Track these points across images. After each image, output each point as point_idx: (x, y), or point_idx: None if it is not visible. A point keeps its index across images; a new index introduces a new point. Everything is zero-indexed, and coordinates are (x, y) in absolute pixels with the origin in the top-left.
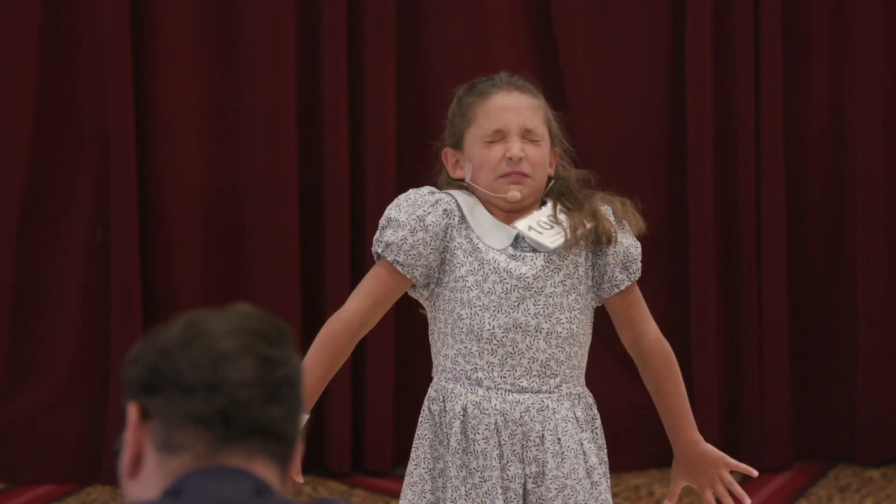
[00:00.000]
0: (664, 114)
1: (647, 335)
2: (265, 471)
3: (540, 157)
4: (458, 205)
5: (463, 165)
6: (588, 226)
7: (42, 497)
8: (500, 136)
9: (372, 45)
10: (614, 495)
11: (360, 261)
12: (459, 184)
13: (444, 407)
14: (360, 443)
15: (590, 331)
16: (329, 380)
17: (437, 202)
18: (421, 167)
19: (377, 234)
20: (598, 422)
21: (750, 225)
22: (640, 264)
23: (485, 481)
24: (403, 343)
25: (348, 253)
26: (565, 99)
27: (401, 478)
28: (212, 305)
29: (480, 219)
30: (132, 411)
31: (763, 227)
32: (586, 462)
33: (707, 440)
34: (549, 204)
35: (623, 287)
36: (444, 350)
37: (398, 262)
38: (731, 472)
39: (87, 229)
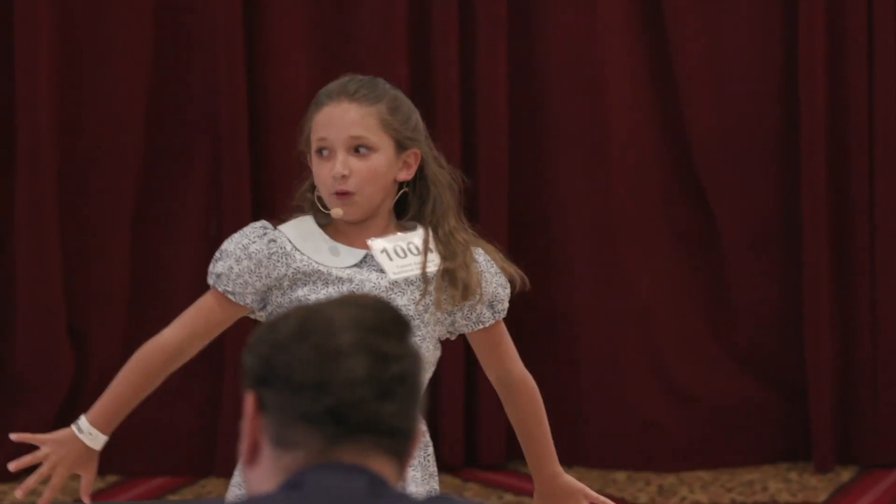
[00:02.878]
0: (776, 106)
1: (513, 373)
2: (381, 466)
3: (368, 170)
4: (287, 238)
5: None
6: (448, 285)
7: (156, 489)
8: (327, 150)
9: (483, 37)
10: (728, 490)
11: None
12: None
13: None
14: (474, 436)
15: (431, 359)
16: (137, 402)
17: (264, 234)
18: (533, 159)
19: (210, 266)
20: (430, 449)
21: (863, 220)
22: (507, 304)
23: None
24: (515, 336)
25: None
26: (676, 90)
27: (514, 472)
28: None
29: (316, 243)
30: (249, 401)
31: (877, 222)
32: (429, 485)
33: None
34: (419, 232)
35: (487, 324)
36: None
37: (228, 291)
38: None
39: (201, 222)
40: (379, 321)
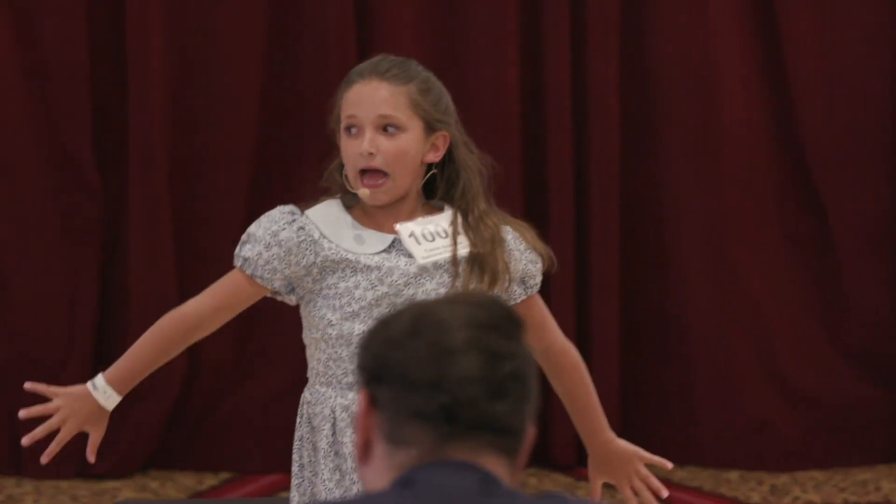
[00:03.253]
0: (890, 106)
1: (555, 345)
2: (493, 464)
3: (396, 149)
4: (315, 225)
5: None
6: (477, 272)
7: (269, 486)
8: (356, 128)
9: (594, 38)
10: (841, 490)
11: (584, 253)
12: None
13: (315, 410)
14: None
15: None
16: (155, 367)
17: (293, 220)
18: (644, 160)
19: (237, 248)
20: None
21: None
22: (539, 279)
23: (355, 483)
24: (629, 337)
25: (572, 246)
26: (789, 90)
27: None
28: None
29: (343, 229)
30: (362, 398)
31: None
32: None
33: None
34: (448, 215)
35: (519, 300)
36: (317, 355)
37: (256, 275)
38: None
39: None
40: (492, 319)
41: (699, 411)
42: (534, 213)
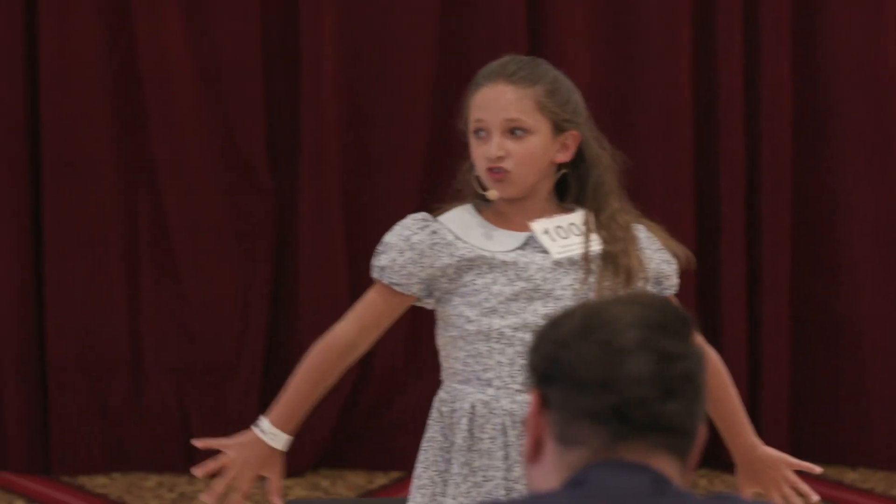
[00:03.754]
0: None
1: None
2: (664, 464)
3: (524, 152)
4: (448, 228)
5: None
6: (611, 271)
7: None
8: (484, 132)
9: (766, 37)
10: None
11: (757, 254)
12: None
13: (454, 407)
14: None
15: None
16: (317, 398)
17: (425, 225)
18: (817, 161)
19: (374, 258)
20: None
21: None
22: (675, 280)
23: (487, 481)
24: (800, 339)
25: (744, 246)
26: None
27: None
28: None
29: (477, 229)
30: (533, 398)
31: None
32: None
33: None
34: (580, 214)
35: None
36: (454, 353)
37: (394, 282)
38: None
39: None
40: (663, 320)
41: (872, 413)
42: (705, 214)
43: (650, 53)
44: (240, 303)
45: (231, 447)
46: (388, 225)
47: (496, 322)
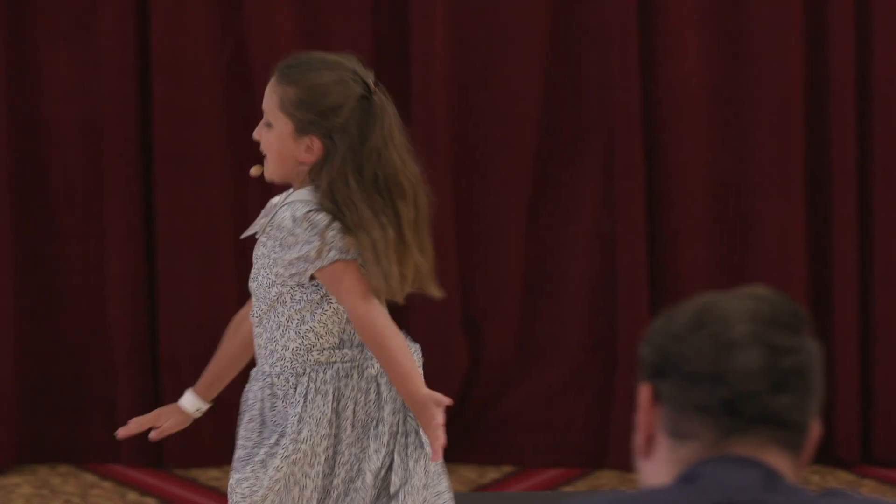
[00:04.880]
0: None
1: (350, 313)
2: (775, 459)
3: (267, 143)
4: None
5: None
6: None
7: (551, 481)
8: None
9: (880, 29)
10: None
11: (868, 248)
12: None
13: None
14: (869, 432)
15: (275, 318)
16: (237, 371)
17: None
18: None
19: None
20: (289, 400)
21: None
22: (315, 254)
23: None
24: None
25: (855, 240)
26: None
27: None
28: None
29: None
30: (644, 393)
31: None
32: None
33: None
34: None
35: (303, 272)
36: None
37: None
38: None
39: (594, 216)
40: (775, 314)
41: None
42: (816, 208)
43: (762, 47)
44: None
45: (153, 415)
46: (498, 223)
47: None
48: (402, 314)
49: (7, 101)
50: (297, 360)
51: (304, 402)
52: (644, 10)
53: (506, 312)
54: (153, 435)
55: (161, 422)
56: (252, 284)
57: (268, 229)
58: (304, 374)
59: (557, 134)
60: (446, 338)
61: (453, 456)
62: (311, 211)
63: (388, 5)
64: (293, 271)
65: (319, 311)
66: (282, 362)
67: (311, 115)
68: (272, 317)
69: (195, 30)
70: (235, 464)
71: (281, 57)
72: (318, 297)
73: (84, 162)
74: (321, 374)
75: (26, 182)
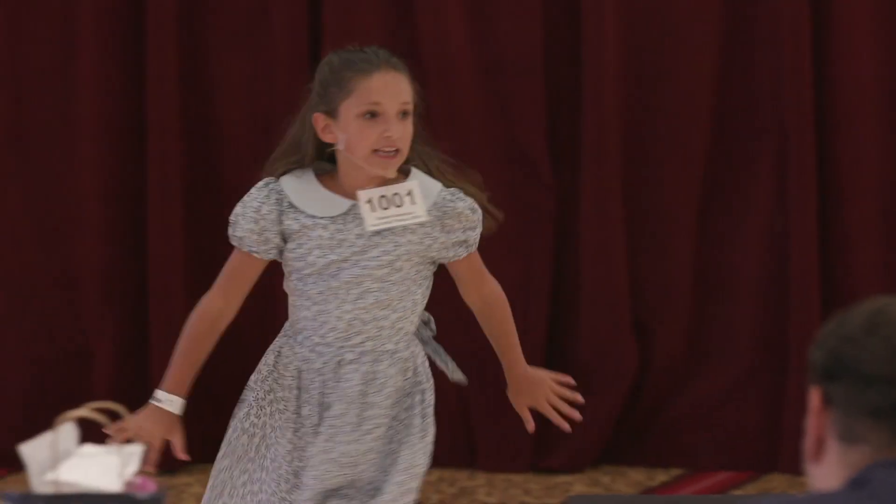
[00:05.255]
0: None
1: (492, 292)
2: None
3: (409, 133)
4: (287, 194)
5: (334, 132)
6: (427, 217)
7: (721, 484)
8: (379, 114)
9: None
10: None
11: None
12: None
13: (275, 343)
14: None
15: (410, 298)
16: (200, 364)
17: (269, 193)
18: None
19: (230, 229)
20: (410, 374)
21: None
22: (477, 237)
23: (286, 409)
24: None
25: None
26: None
27: None
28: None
29: (310, 195)
30: (814, 396)
31: None
32: (363, 412)
33: None
34: (409, 184)
35: (461, 257)
36: (288, 302)
37: (252, 250)
38: None
39: (766, 217)
40: None
41: None
42: None
43: None
44: (520, 298)
45: (133, 420)
46: (668, 224)
47: (310, 282)
48: (573, 316)
49: (181, 102)
50: (413, 336)
51: (428, 374)
52: (817, 9)
53: (676, 315)
54: (183, 456)
55: (170, 436)
56: (379, 272)
57: (431, 216)
58: (417, 347)
59: (729, 135)
60: (616, 339)
61: (622, 458)
62: (466, 198)
63: (559, 7)
64: (450, 254)
65: (428, 291)
66: (407, 338)
67: (419, 102)
68: (407, 297)
69: (367, 30)
70: (404, 438)
71: (452, 57)
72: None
73: (255, 161)
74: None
75: (199, 181)
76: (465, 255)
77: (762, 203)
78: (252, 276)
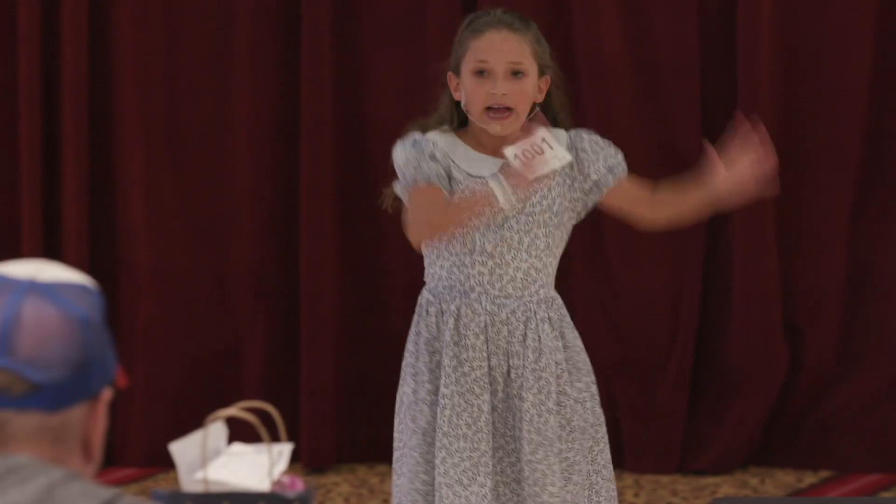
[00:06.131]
0: None
1: (654, 197)
2: None
3: (522, 91)
4: (441, 146)
5: (460, 90)
6: (564, 161)
7: (870, 486)
8: (487, 72)
9: None
10: None
11: None
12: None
13: (441, 308)
14: None
15: (562, 242)
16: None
17: (425, 140)
18: None
19: (401, 178)
20: (568, 318)
21: None
22: (622, 161)
23: (473, 370)
24: None
25: None
26: None
27: None
28: None
29: (462, 154)
30: None
31: None
32: (555, 357)
33: None
34: (540, 132)
35: (611, 185)
36: (440, 262)
37: (431, 180)
38: None
39: None
40: None
41: None
42: None
43: None
44: (671, 300)
45: None
46: (821, 225)
47: (478, 238)
48: (724, 319)
49: (335, 103)
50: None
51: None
52: None
53: (827, 317)
54: None
55: None
56: (544, 217)
57: (575, 156)
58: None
59: (882, 137)
60: (767, 341)
61: (771, 459)
62: (590, 133)
63: (714, 7)
64: (603, 185)
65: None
66: (553, 283)
67: (546, 58)
68: (557, 242)
69: None
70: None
71: (606, 57)
72: None
73: None
74: None
75: (351, 181)
76: (613, 182)
77: None
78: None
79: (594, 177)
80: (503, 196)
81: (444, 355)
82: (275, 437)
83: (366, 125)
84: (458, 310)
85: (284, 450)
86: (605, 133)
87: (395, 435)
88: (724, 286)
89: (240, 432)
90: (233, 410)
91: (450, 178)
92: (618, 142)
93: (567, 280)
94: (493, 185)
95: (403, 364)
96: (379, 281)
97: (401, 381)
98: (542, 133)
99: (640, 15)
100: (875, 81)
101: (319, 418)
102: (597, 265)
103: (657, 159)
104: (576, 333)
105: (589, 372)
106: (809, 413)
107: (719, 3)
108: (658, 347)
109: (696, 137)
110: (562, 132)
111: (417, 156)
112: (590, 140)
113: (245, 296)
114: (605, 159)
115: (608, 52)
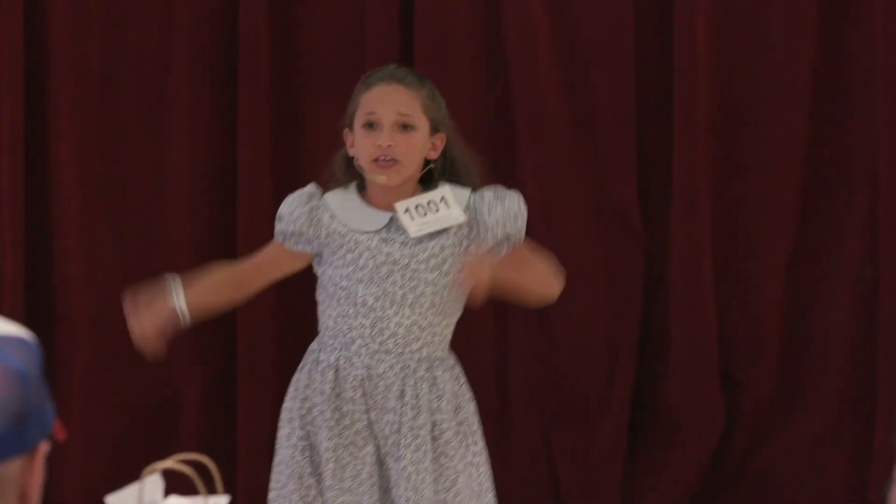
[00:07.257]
0: None
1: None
2: None
3: (409, 145)
4: (328, 202)
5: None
6: (460, 222)
7: None
8: (375, 124)
9: None
10: None
11: None
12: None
13: (318, 357)
14: None
15: (458, 303)
16: (213, 305)
17: (309, 199)
18: None
19: (276, 224)
20: (464, 382)
21: None
22: (522, 229)
23: (354, 423)
24: None
25: None
26: None
27: None
28: None
29: (353, 209)
30: None
31: None
32: (433, 417)
33: None
34: (440, 189)
35: (504, 253)
36: (328, 311)
37: (290, 245)
38: None
39: (856, 269)
40: None
41: None
42: None
43: None
44: (609, 348)
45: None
46: (757, 275)
47: (361, 290)
48: (662, 367)
49: (272, 152)
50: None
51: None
52: None
53: (764, 366)
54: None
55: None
56: (431, 275)
57: (470, 218)
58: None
59: (819, 188)
60: (704, 392)
61: None
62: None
63: (651, 58)
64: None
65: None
66: (444, 345)
67: (440, 115)
68: (445, 302)
69: (458, 81)
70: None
71: (545, 107)
72: None
73: None
74: None
75: None
76: (507, 250)
77: (854, 252)
78: (288, 263)
79: (490, 242)
80: (412, 225)
81: (326, 407)
82: (211, 490)
83: (303, 174)
84: (338, 362)
85: (221, 502)
86: (541, 182)
87: (273, 476)
88: (661, 335)
89: (176, 484)
90: (169, 462)
91: (327, 234)
92: (553, 191)
93: (504, 326)
94: (402, 217)
95: (283, 407)
96: (316, 330)
97: (280, 424)
98: (444, 190)
99: (577, 64)
100: (812, 132)
101: (256, 467)
102: (533, 313)
103: (593, 209)
104: (471, 395)
105: (482, 436)
106: (749, 459)
107: (657, 52)
108: (596, 395)
109: (631, 188)
110: (464, 192)
111: (287, 214)
112: (491, 202)
113: (182, 345)
114: (503, 225)
115: (546, 100)
